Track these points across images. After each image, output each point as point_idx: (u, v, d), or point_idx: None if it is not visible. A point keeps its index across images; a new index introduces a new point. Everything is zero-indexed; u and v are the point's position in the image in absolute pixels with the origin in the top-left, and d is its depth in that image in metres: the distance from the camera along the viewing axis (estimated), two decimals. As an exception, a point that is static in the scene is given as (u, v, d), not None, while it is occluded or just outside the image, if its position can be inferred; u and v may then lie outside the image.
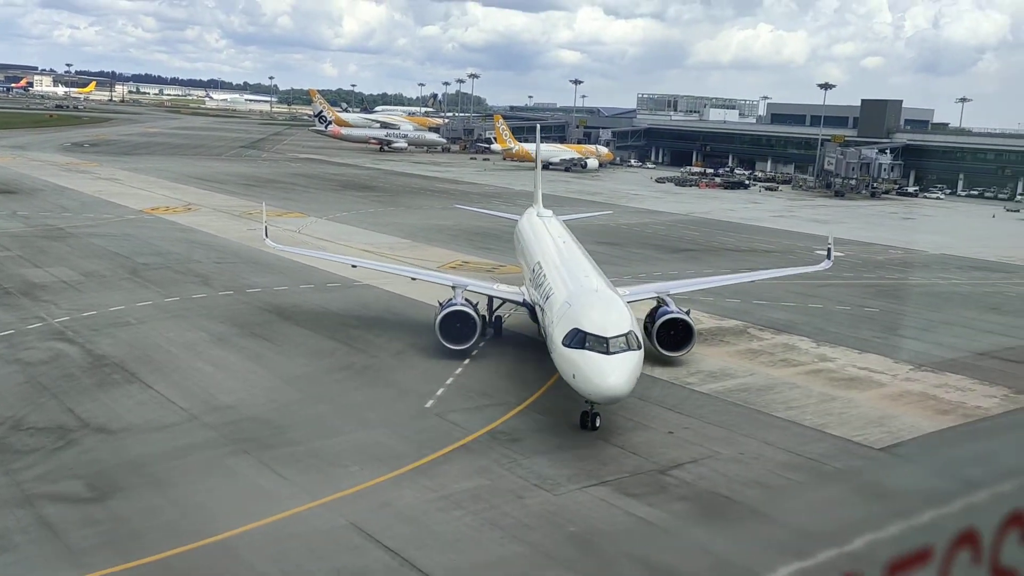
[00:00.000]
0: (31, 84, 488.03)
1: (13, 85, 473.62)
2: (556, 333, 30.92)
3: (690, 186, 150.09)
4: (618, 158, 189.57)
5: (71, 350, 37.60)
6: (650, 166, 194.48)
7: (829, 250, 50.35)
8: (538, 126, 67.07)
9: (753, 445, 30.54)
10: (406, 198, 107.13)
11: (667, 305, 39.52)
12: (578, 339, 29.45)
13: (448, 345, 37.24)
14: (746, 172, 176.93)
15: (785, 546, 23.06)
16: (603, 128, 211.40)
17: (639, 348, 29.98)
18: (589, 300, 32.35)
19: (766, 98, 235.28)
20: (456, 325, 37.32)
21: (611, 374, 28.49)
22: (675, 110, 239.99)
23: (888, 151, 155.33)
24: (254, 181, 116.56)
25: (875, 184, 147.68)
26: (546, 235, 46.71)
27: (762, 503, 25.85)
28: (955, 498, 6.41)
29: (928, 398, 37.06)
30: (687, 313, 39.19)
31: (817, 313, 52.24)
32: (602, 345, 28.99)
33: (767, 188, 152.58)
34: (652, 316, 39.00)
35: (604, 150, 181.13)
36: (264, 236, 48.11)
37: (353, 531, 22.91)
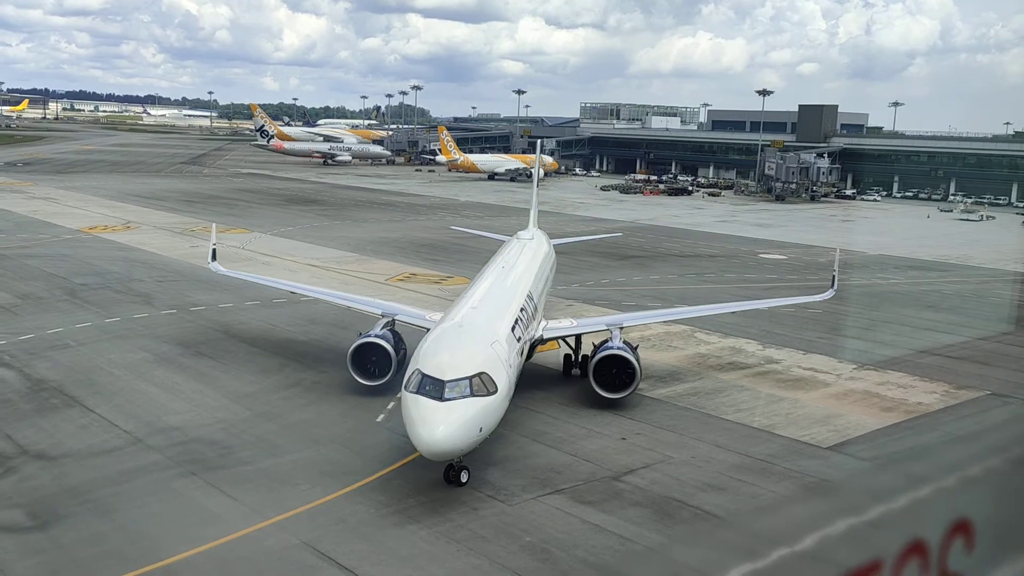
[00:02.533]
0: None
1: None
2: (406, 375, 27.07)
3: (635, 193, 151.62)
4: (563, 167, 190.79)
5: (8, 375, 36.48)
6: (595, 174, 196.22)
7: (833, 277, 44.51)
8: (540, 142, 61.71)
9: (704, 448, 30.84)
10: (352, 211, 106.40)
11: (612, 340, 34.75)
12: (415, 381, 25.60)
13: (360, 380, 33.99)
14: (689, 178, 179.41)
15: (739, 548, 23.29)
16: (547, 137, 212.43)
17: (489, 394, 25.47)
18: (446, 335, 28.37)
19: (707, 105, 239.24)
20: (372, 358, 33.98)
21: (439, 425, 24.35)
22: (618, 118, 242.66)
23: (826, 155, 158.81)
24: (196, 197, 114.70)
25: (814, 188, 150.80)
26: (497, 261, 42.27)
27: (715, 506, 26.09)
28: (902, 494, 6.53)
29: (872, 396, 37.85)
30: (634, 349, 34.71)
31: (763, 316, 52.98)
32: (437, 390, 24.93)
33: (710, 194, 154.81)
34: (595, 351, 34.73)
35: (549, 159, 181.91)
36: (210, 259, 44.85)
37: (306, 550, 22.55)
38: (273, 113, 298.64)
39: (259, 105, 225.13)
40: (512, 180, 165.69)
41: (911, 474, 7.22)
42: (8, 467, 27.12)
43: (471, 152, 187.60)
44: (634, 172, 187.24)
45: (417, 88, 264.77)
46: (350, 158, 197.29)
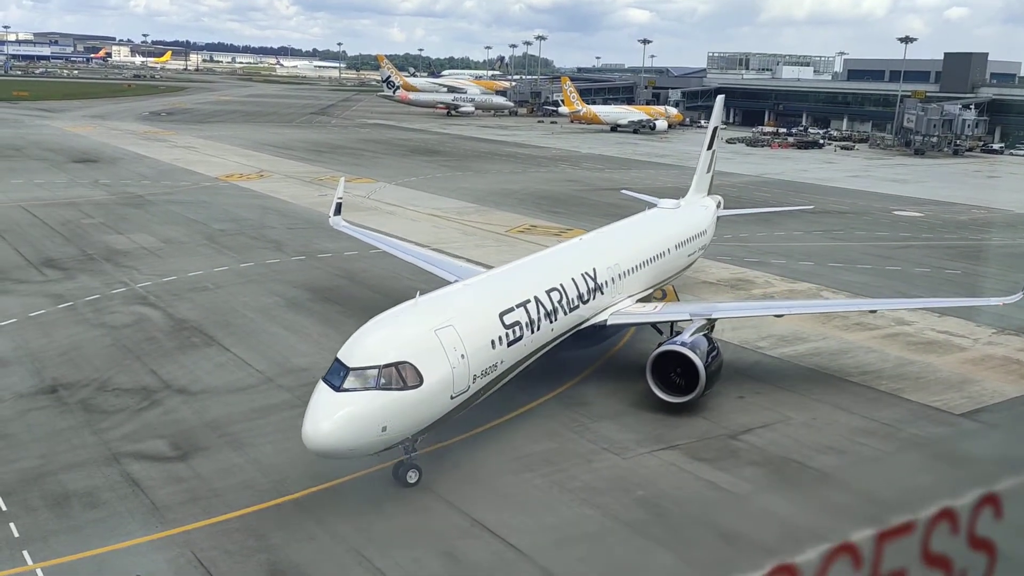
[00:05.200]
0: (109, 55, 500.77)
1: (92, 56, 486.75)
2: None
3: (762, 146, 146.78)
4: (687, 119, 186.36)
5: (153, 314, 38.85)
6: (721, 126, 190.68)
7: None
8: (719, 99, 53.09)
9: (826, 410, 30.05)
10: (473, 162, 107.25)
11: (684, 332, 29.91)
12: (331, 366, 22.66)
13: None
14: (821, 131, 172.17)
15: (858, 512, 22.75)
16: (672, 88, 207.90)
17: (405, 388, 21.76)
18: (392, 313, 24.66)
19: (843, 54, 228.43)
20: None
21: (323, 419, 21.20)
22: (747, 68, 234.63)
23: (972, 106, 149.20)
24: (324, 147, 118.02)
25: (958, 141, 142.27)
26: (592, 233, 38.93)
27: (835, 469, 25.47)
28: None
29: (1012, 362, 35.87)
30: (710, 348, 29.17)
31: (895, 276, 50.82)
32: (338, 377, 21.85)
33: (843, 147, 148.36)
34: (659, 343, 30.31)
35: (673, 111, 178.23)
36: (332, 212, 44.58)
37: (423, 491, 23.31)
38: (399, 64, 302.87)
39: (385, 56, 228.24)
40: (635, 132, 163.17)
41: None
42: (153, 400, 29.05)
43: (594, 103, 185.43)
44: (762, 124, 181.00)
45: (541, 38, 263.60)
46: (473, 109, 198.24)
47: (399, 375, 21.80)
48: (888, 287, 47.78)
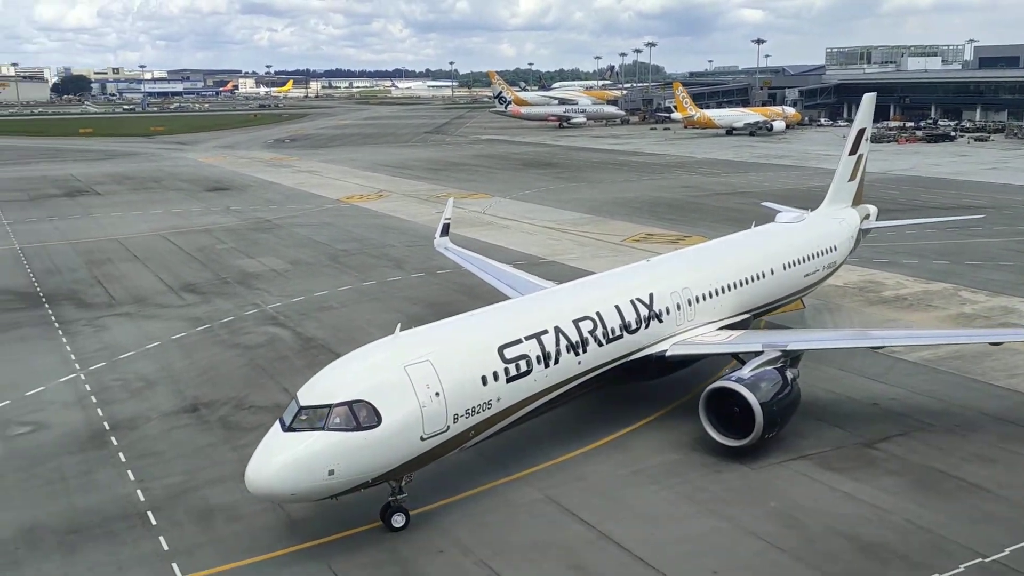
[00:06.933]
0: (236, 87, 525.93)
1: (221, 89, 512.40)
2: None
3: (887, 142, 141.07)
4: (806, 118, 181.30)
5: (283, 334, 40.34)
6: (842, 123, 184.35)
7: None
8: (867, 97, 44.21)
9: (970, 416, 28.45)
10: (587, 172, 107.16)
11: (742, 367, 26.61)
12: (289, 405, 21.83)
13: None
14: (951, 123, 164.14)
15: (1013, 524, 21.39)
16: (789, 88, 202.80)
17: (359, 428, 20.31)
18: (367, 348, 23.49)
19: (973, 41, 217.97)
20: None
21: (265, 461, 20.17)
22: (868, 62, 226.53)
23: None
24: (440, 165, 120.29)
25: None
26: (673, 252, 36.40)
27: (984, 478, 24.05)
28: None
29: None
30: (774, 383, 25.72)
31: (1040, 272, 47.80)
32: (289, 415, 20.95)
33: (976, 139, 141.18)
34: (716, 377, 27.45)
35: (791, 110, 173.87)
36: (439, 234, 43.87)
37: (550, 504, 23.29)
38: (510, 79, 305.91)
39: (496, 72, 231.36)
40: (751, 134, 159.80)
41: None
42: (285, 416, 30.01)
43: (707, 107, 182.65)
44: (886, 119, 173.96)
45: (651, 45, 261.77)
46: (585, 120, 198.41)
47: (351, 415, 20.34)
48: (1033, 284, 44.89)
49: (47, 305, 46.38)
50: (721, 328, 31.13)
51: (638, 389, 29.89)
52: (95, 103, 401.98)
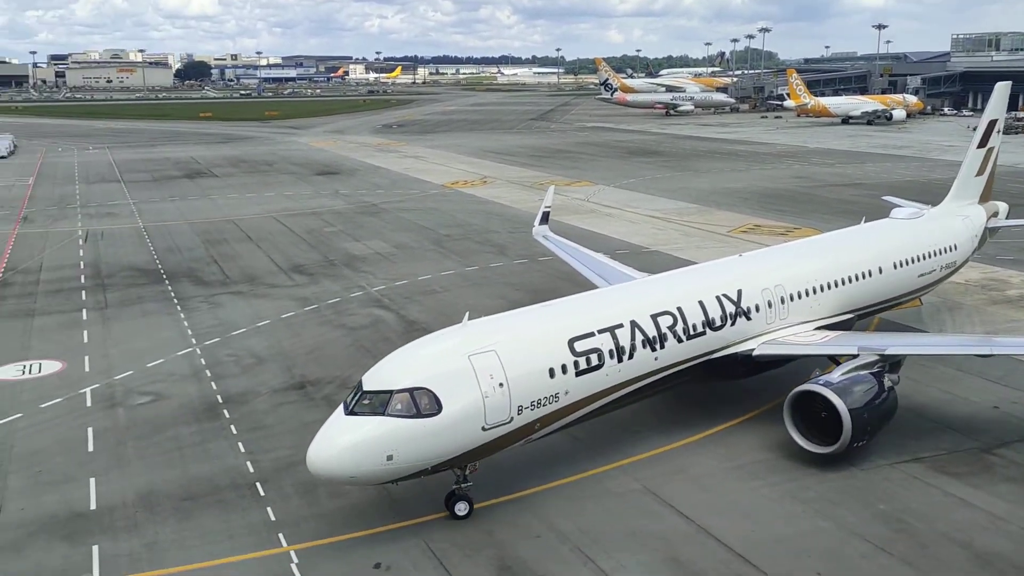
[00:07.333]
0: (347, 73, 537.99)
1: (332, 75, 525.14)
2: None
3: (1016, 133, 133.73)
4: (928, 107, 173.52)
5: (387, 316, 41.16)
6: (966, 113, 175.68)
7: None
8: (1000, 86, 40.40)
9: (1101, 424, 26.83)
10: (693, 161, 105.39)
11: (834, 371, 25.25)
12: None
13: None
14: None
15: None
16: (911, 75, 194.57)
17: (419, 416, 20.43)
18: (434, 336, 23.85)
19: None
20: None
21: (327, 443, 20.56)
22: (997, 49, 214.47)
23: None
24: (543, 152, 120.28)
25: None
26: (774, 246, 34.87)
27: (1113, 491, 22.64)
28: None
29: None
30: (867, 389, 24.44)
31: None
32: (351, 398, 21.45)
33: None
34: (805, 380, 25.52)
35: (912, 99, 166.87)
36: (537, 222, 43.48)
37: (648, 495, 23.11)
38: (616, 66, 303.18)
39: (603, 59, 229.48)
40: (869, 123, 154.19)
41: None
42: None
43: (822, 95, 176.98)
44: (1014, 110, 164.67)
45: (765, 31, 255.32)
46: (692, 107, 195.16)
47: (412, 401, 20.51)
48: None
49: (167, 281, 48.58)
50: (819, 328, 29.72)
51: (740, 385, 29.24)
52: (214, 88, 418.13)
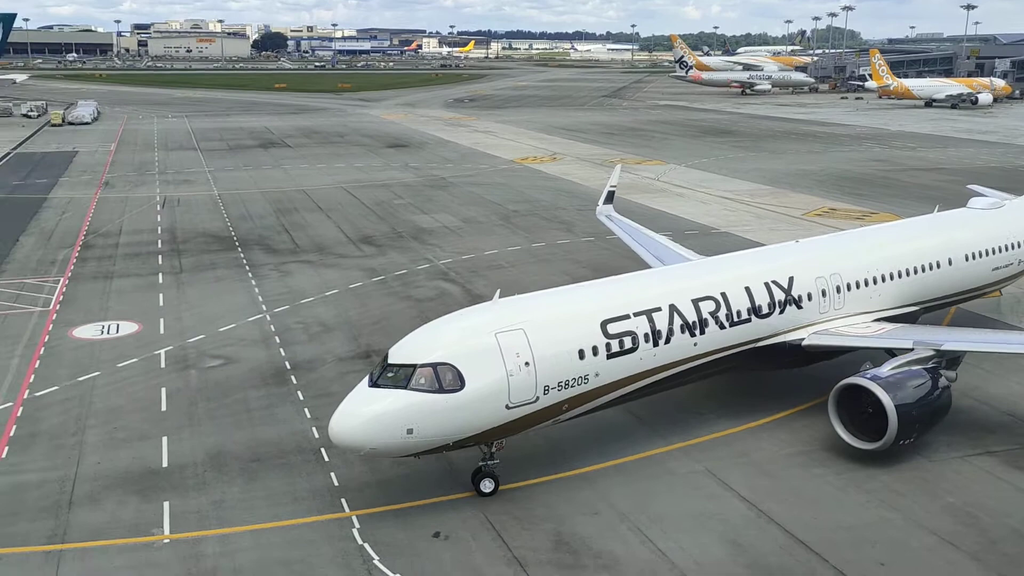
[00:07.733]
0: (420, 47, 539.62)
1: (405, 48, 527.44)
2: None
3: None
4: (1017, 91, 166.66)
5: (453, 289, 41.44)
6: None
7: None
8: None
9: None
10: (768, 142, 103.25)
11: (883, 365, 24.31)
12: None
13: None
14: None
15: None
16: (999, 58, 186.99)
17: (440, 391, 20.40)
18: (462, 313, 23.99)
19: None
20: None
21: (349, 413, 20.72)
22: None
23: None
24: (615, 129, 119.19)
25: None
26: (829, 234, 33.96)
27: None
28: None
29: None
30: (917, 384, 23.52)
31: None
32: (376, 371, 21.57)
33: None
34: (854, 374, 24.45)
35: (1000, 82, 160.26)
36: (601, 201, 43.14)
37: (709, 477, 22.94)
38: (693, 43, 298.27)
39: (679, 36, 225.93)
40: (953, 107, 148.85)
41: None
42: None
43: (905, 76, 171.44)
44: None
45: (848, 9, 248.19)
46: (769, 87, 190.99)
47: (435, 376, 20.46)
48: None
49: (239, 248, 49.68)
50: (877, 320, 28.51)
51: (804, 372, 28.63)
52: (289, 60, 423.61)
